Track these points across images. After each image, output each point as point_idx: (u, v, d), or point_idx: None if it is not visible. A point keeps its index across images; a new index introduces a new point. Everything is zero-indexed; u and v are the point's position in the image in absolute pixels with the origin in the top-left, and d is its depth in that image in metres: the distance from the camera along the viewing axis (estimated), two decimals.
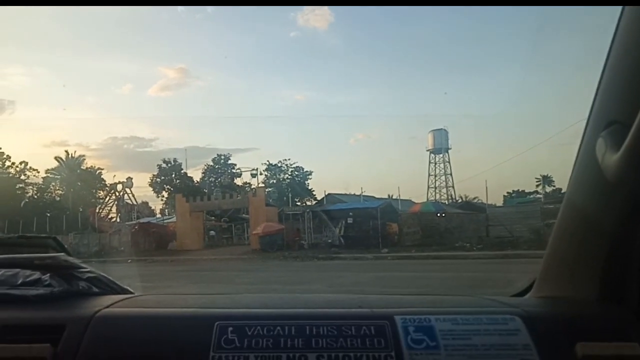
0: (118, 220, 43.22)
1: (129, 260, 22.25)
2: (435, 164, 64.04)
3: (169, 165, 52.13)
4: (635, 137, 0.67)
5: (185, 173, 52.01)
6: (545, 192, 53.67)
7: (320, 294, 1.11)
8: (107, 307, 0.95)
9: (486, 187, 28.92)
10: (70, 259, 1.11)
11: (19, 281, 1.02)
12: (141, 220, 37.25)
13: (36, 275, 1.04)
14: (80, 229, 34.75)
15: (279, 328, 0.85)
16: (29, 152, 66.85)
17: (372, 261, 19.13)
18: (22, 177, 47.85)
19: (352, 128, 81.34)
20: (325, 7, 64.55)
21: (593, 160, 0.83)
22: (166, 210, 48.41)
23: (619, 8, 0.81)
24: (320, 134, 74.67)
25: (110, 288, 1.13)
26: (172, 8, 68.06)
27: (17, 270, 1.05)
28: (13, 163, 47.07)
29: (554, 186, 54.94)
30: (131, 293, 1.14)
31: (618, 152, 0.73)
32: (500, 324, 0.86)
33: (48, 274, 1.04)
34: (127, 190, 47.01)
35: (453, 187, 61.57)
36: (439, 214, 26.79)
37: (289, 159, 55.54)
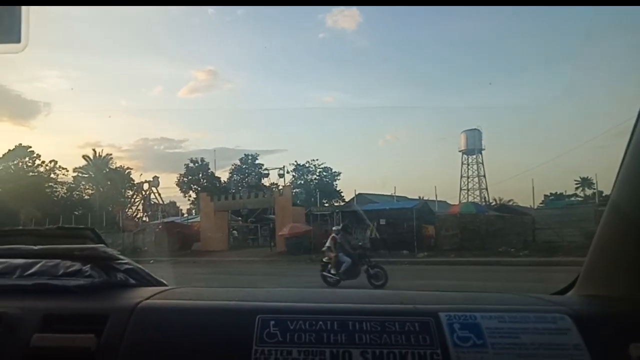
0: (146, 219, 42.87)
1: (151, 261, 21.34)
2: (468, 165, 62.38)
3: (196, 164, 51.97)
4: None
5: (213, 173, 51.79)
6: (585, 195, 51.86)
7: (362, 290, 0.92)
8: (148, 298, 0.96)
9: (532, 187, 26.70)
10: (109, 250, 1.13)
11: (60, 272, 1.05)
12: (165, 220, 36.54)
13: (76, 266, 1.06)
14: (106, 228, 34.30)
15: (321, 323, 0.85)
16: (63, 152, 68.89)
17: (407, 266, 17.60)
18: (52, 175, 48.34)
19: (381, 129, 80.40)
20: (354, 8, 64.39)
21: None
22: (193, 211, 47.94)
23: None
24: (348, 135, 74.42)
25: (147, 280, 1.16)
26: (202, 11, 68.56)
27: (58, 260, 1.07)
28: (43, 162, 47.56)
29: (594, 189, 52.45)
30: (165, 285, 1.15)
31: None
32: (549, 323, 0.84)
33: (88, 265, 1.07)
34: (154, 189, 46.83)
35: (487, 189, 59.73)
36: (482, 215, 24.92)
37: (316, 160, 54.53)
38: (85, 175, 51.78)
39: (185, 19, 68.34)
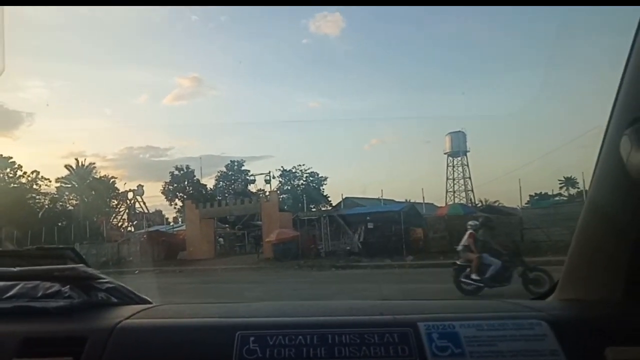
0: (132, 229, 42.21)
1: (136, 271, 21.03)
2: (454, 167, 62.62)
3: (182, 172, 51.38)
4: None
5: (198, 180, 51.21)
6: (570, 194, 52.50)
7: (342, 301, 1.12)
8: (128, 318, 0.95)
9: (520, 187, 26.75)
10: (90, 270, 1.12)
11: (40, 293, 1.03)
12: (150, 229, 35.94)
13: (56, 287, 1.05)
14: (90, 239, 33.66)
15: (300, 337, 0.85)
16: (47, 163, 67.68)
17: (396, 270, 17.36)
18: (35, 186, 47.53)
19: (366, 133, 79.27)
20: (337, 13, 64.46)
21: (617, 159, 0.82)
22: (179, 219, 47.38)
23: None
24: (334, 141, 73.44)
25: (129, 298, 1.15)
26: (186, 17, 68.28)
27: (37, 282, 1.06)
28: (25, 173, 46.77)
29: (578, 188, 53.37)
30: (149, 303, 1.15)
31: None
32: (526, 329, 0.85)
33: (68, 286, 1.06)
34: (138, 198, 46.08)
35: (472, 190, 59.91)
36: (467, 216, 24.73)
37: (303, 165, 54.16)
38: (68, 186, 50.82)
39: (168, 25, 67.62)
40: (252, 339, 0.85)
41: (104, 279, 1.14)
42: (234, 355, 0.82)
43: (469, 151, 60.46)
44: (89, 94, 70.33)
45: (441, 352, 0.82)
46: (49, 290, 1.04)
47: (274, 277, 17.54)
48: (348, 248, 24.12)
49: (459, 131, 58.25)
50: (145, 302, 1.16)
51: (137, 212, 46.26)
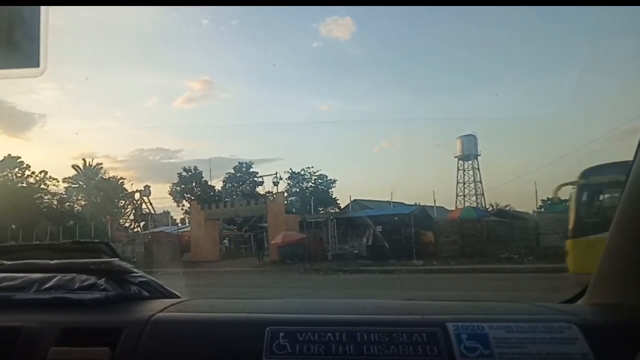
0: (139, 230, 41.86)
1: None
2: (464, 171, 61.67)
3: (190, 173, 51.25)
4: None
5: (206, 181, 50.96)
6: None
7: (370, 300, 1.11)
8: (161, 311, 0.98)
9: (535, 191, 25.71)
10: (123, 263, 1.15)
11: (76, 285, 1.07)
12: (154, 230, 35.49)
13: (92, 279, 1.09)
14: (95, 239, 33.22)
15: (329, 334, 0.86)
16: (58, 164, 67.20)
17: (405, 275, 16.58)
18: (43, 186, 47.64)
19: (376, 137, 79.53)
20: (348, 17, 64.38)
21: None
22: (186, 220, 47.05)
23: None
24: (344, 144, 73.35)
25: (160, 292, 1.18)
26: (197, 21, 68.26)
27: (74, 274, 1.10)
28: (33, 172, 46.82)
29: None
30: (178, 297, 1.18)
31: None
32: (556, 332, 0.84)
33: (103, 279, 1.09)
34: (145, 198, 45.60)
35: (483, 195, 58.96)
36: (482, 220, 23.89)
37: (312, 167, 53.66)
38: (75, 186, 50.87)
39: (179, 30, 67.67)
40: (282, 334, 0.86)
41: (136, 273, 1.16)
42: (264, 350, 0.84)
43: (480, 155, 59.69)
44: (101, 96, 70.75)
45: (470, 353, 0.81)
46: (85, 283, 1.07)
47: (278, 280, 16.84)
48: (356, 251, 23.42)
49: (470, 134, 57.54)
50: (175, 296, 1.18)
51: (144, 212, 45.85)
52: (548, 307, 1.00)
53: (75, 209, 49.12)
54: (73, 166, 50.47)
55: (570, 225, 9.07)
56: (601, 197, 9.02)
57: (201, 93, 73.80)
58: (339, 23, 72.83)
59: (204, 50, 72.08)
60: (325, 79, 73.21)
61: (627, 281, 1.02)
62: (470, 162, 60.92)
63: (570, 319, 0.88)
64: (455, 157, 60.75)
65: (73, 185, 50.92)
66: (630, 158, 0.97)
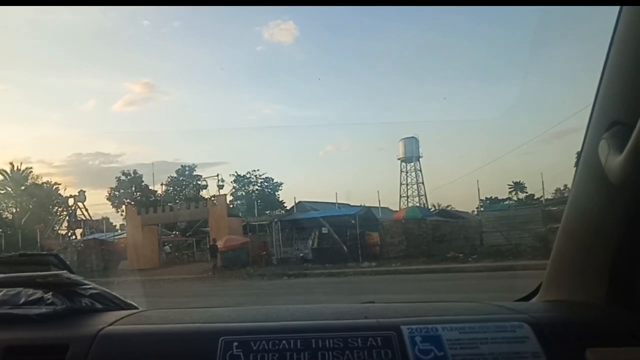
0: (75, 237, 39.43)
1: None
2: (407, 172, 62.81)
3: (129, 177, 49.32)
4: (638, 138, 0.68)
5: (147, 186, 48.84)
6: (518, 199, 53.80)
7: (325, 305, 1.10)
8: (111, 324, 0.95)
9: (478, 189, 26.07)
10: (73, 276, 1.11)
11: (22, 300, 1.02)
12: (87, 237, 33.49)
13: (39, 293, 1.04)
14: (23, 249, 30.89)
15: (284, 342, 0.85)
16: None
17: (352, 278, 16.21)
18: None
19: (321, 140, 79.79)
20: (291, 22, 66.17)
21: (596, 163, 0.84)
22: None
23: (616, 8, 0.81)
24: (290, 147, 72.66)
25: (114, 304, 1.14)
26: (137, 22, 65.78)
27: (20, 289, 1.05)
28: None
29: (526, 192, 54.79)
30: (135, 308, 1.14)
31: (621, 153, 0.73)
32: (508, 332, 0.86)
33: (50, 292, 1.05)
34: (79, 204, 42.96)
35: (425, 195, 60.32)
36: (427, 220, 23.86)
37: (258, 170, 52.62)
38: (2, 192, 47.58)
39: (118, 31, 64.85)
40: (235, 344, 0.85)
41: (88, 285, 1.12)
42: None
43: (421, 157, 60.95)
44: (35, 98, 67.01)
45: (424, 356, 0.82)
46: (32, 297, 1.03)
47: (219, 288, 16.01)
48: (301, 255, 22.84)
49: (412, 137, 58.64)
50: (131, 307, 1.15)
51: (79, 219, 43.27)
52: (501, 306, 1.01)
53: (4, 216, 45.86)
54: None
55: None
56: None
57: (142, 96, 71.37)
58: (282, 27, 73.73)
59: (145, 52, 70.08)
60: (270, 83, 73.39)
61: (577, 279, 1.05)
62: (412, 163, 62.17)
63: (522, 318, 0.89)
64: (398, 159, 61.79)
65: (0, 192, 47.62)
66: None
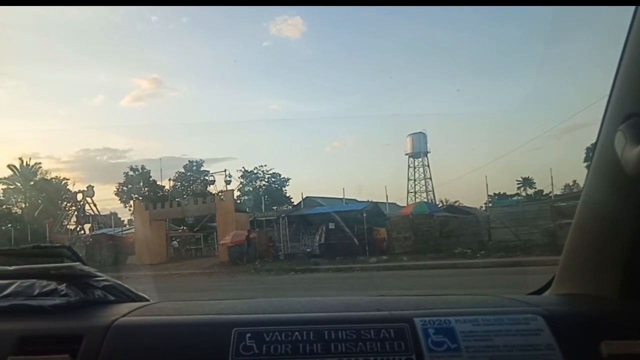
0: (83, 232, 39.67)
1: None
2: (415, 168, 62.65)
3: (137, 173, 49.44)
4: None
5: (155, 181, 49.09)
6: (527, 194, 53.63)
7: (338, 297, 1.11)
8: (124, 315, 0.96)
9: (487, 185, 26.01)
10: (86, 267, 1.12)
11: (36, 292, 1.03)
12: (96, 232, 33.68)
13: (52, 285, 1.05)
14: (30, 243, 31.12)
15: (297, 333, 0.86)
16: None
17: (359, 273, 16.12)
18: None
19: (328, 136, 79.70)
20: (298, 17, 66.08)
21: (612, 155, 0.83)
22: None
23: (631, 8, 0.82)
24: (297, 143, 73.29)
25: (126, 296, 1.16)
26: (145, 18, 65.92)
27: (34, 280, 1.06)
28: None
29: (535, 188, 54.38)
30: (147, 300, 1.15)
31: (638, 145, 0.74)
32: (522, 324, 0.86)
33: (64, 284, 1.06)
34: (88, 199, 43.22)
35: (433, 191, 60.15)
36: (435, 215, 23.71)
37: (265, 166, 52.81)
38: (12, 187, 48.00)
39: (126, 26, 65.48)
40: (248, 335, 0.86)
41: (100, 276, 1.13)
42: (231, 352, 0.83)
43: (429, 152, 60.70)
44: (44, 94, 67.73)
45: (437, 347, 0.82)
46: (46, 289, 1.03)
47: (226, 283, 16.02)
48: (308, 250, 22.85)
49: (420, 132, 58.41)
50: (143, 299, 1.15)
51: (88, 214, 43.52)
52: (514, 299, 1.01)
53: (14, 211, 46.26)
54: (9, 166, 47.60)
55: None
56: None
57: (150, 91, 72.10)
58: (289, 22, 73.98)
59: (153, 48, 70.86)
60: (276, 78, 73.64)
61: (590, 272, 1.04)
62: (420, 159, 62.07)
63: (536, 311, 0.89)
64: (406, 154, 61.65)
65: (10, 187, 48.10)
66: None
